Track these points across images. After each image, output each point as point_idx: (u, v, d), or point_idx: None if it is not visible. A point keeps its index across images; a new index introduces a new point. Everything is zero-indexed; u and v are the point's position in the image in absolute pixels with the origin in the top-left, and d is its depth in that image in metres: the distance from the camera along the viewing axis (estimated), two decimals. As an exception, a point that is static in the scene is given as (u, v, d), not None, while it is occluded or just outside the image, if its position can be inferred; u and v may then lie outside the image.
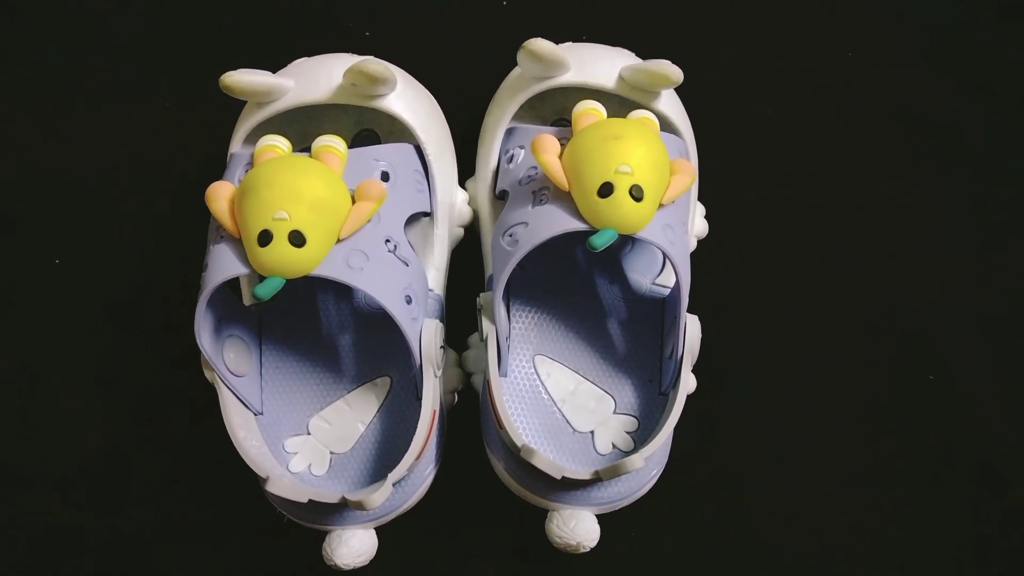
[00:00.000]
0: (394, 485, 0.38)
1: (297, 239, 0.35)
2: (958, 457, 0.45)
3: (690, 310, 0.40)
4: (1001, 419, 0.46)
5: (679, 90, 0.44)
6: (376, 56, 0.42)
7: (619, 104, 0.42)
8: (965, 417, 0.46)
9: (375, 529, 0.40)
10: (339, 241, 0.37)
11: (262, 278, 0.36)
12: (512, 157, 0.42)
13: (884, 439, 0.45)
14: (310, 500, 0.37)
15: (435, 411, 0.39)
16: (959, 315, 0.47)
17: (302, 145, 0.42)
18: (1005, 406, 0.46)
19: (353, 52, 0.43)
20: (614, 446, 0.41)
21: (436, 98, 0.45)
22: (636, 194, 0.36)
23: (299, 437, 0.41)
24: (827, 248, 0.48)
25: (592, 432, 0.41)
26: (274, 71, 0.42)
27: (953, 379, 0.46)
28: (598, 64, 0.42)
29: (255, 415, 0.41)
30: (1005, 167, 0.50)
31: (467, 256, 0.45)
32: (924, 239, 0.48)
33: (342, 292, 0.43)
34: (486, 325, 0.40)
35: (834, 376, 0.46)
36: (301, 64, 0.42)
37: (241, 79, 0.39)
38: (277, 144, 0.39)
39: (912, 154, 0.50)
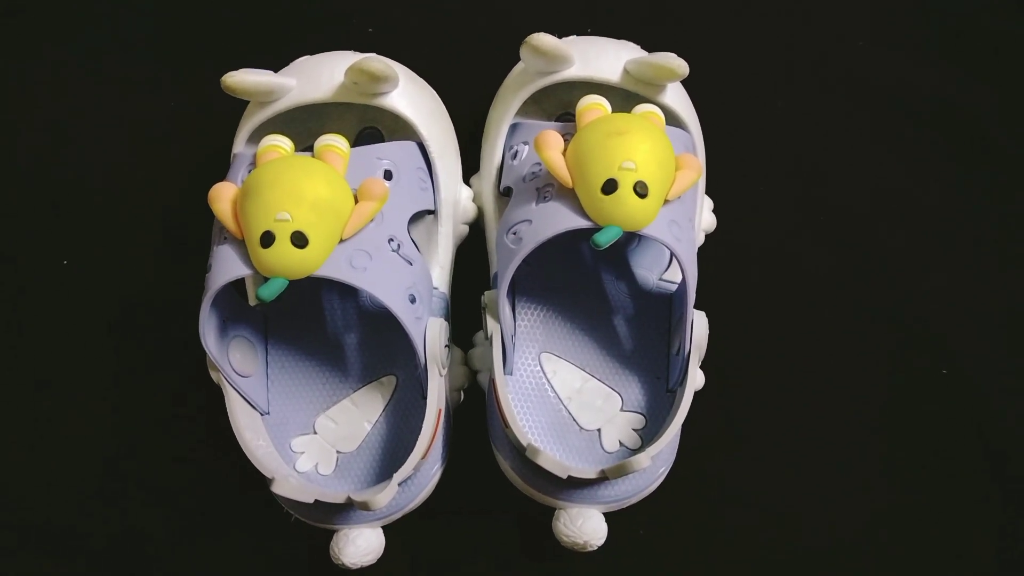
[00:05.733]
0: (400, 484, 0.38)
1: (299, 240, 0.35)
2: (972, 453, 0.45)
3: (697, 306, 0.39)
4: (1016, 414, 0.45)
5: (686, 83, 0.43)
6: (379, 53, 0.42)
7: (624, 98, 0.42)
8: (979, 412, 0.45)
9: (382, 528, 0.40)
10: (342, 241, 0.37)
11: (266, 279, 0.36)
12: (516, 153, 0.42)
13: (896, 434, 0.45)
14: (316, 500, 0.37)
15: (440, 410, 0.39)
16: (972, 309, 0.47)
17: (305, 144, 0.42)
18: (1020, 401, 0.45)
19: (355, 49, 0.43)
20: (621, 444, 0.41)
21: (439, 95, 0.45)
22: (640, 191, 0.36)
23: (305, 436, 0.41)
24: (837, 242, 0.48)
25: (599, 430, 0.41)
26: (276, 70, 0.42)
27: (966, 374, 0.46)
28: (602, 58, 0.42)
29: (261, 415, 0.41)
30: (1018, 157, 0.49)
31: (472, 254, 0.44)
32: (936, 232, 0.48)
33: (347, 291, 0.43)
34: (491, 323, 0.39)
35: (844, 371, 0.46)
36: (303, 63, 0.42)
37: (243, 79, 0.39)
38: (279, 144, 0.39)
39: (923, 145, 0.49)
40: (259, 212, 0.36)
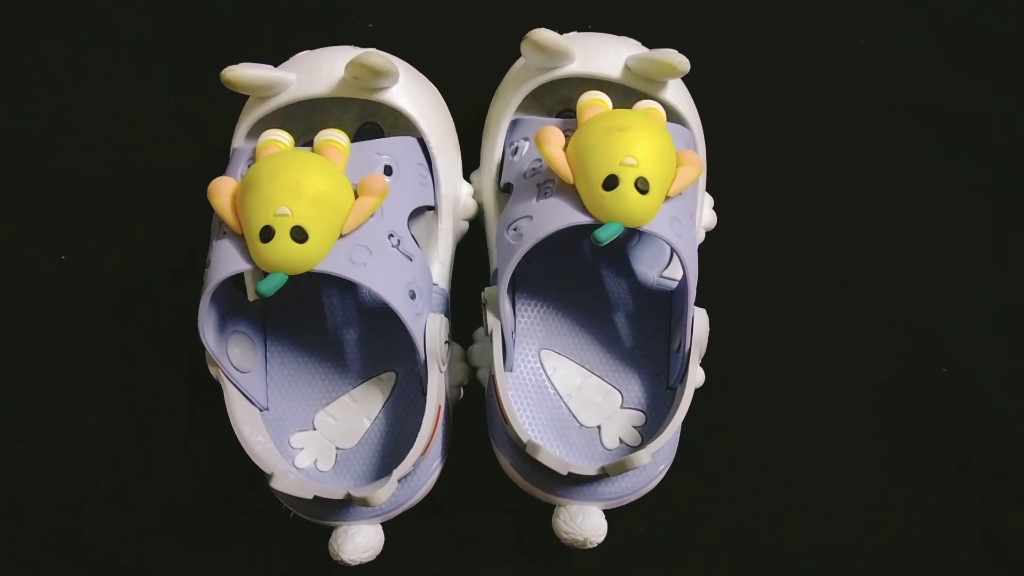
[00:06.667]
0: (400, 481, 0.38)
1: (299, 235, 0.35)
2: (970, 451, 0.45)
3: (698, 303, 0.39)
4: (1016, 414, 0.45)
5: (686, 79, 0.43)
6: (379, 48, 0.42)
7: (625, 94, 0.42)
8: (977, 411, 0.45)
9: (381, 524, 0.40)
10: (342, 236, 0.37)
11: (265, 274, 0.36)
12: (516, 149, 0.42)
13: (895, 433, 0.45)
14: (316, 496, 0.37)
15: (440, 406, 0.39)
16: (971, 308, 0.47)
17: (305, 139, 0.42)
18: (1020, 401, 0.45)
19: (356, 44, 0.43)
20: (621, 441, 0.41)
21: (440, 90, 0.45)
22: (641, 187, 0.36)
23: (305, 432, 0.41)
24: (836, 239, 0.47)
25: (599, 427, 0.41)
26: (276, 65, 0.42)
27: (966, 372, 0.46)
28: (603, 54, 0.42)
29: (260, 411, 0.41)
30: (1017, 157, 0.49)
31: (472, 250, 0.44)
32: (935, 230, 0.48)
33: (346, 287, 0.43)
34: (491, 320, 0.39)
35: (844, 369, 0.46)
36: (303, 57, 0.42)
37: (242, 73, 0.39)
38: (279, 139, 0.39)
39: (923, 144, 0.49)
40: (259, 207, 0.36)
